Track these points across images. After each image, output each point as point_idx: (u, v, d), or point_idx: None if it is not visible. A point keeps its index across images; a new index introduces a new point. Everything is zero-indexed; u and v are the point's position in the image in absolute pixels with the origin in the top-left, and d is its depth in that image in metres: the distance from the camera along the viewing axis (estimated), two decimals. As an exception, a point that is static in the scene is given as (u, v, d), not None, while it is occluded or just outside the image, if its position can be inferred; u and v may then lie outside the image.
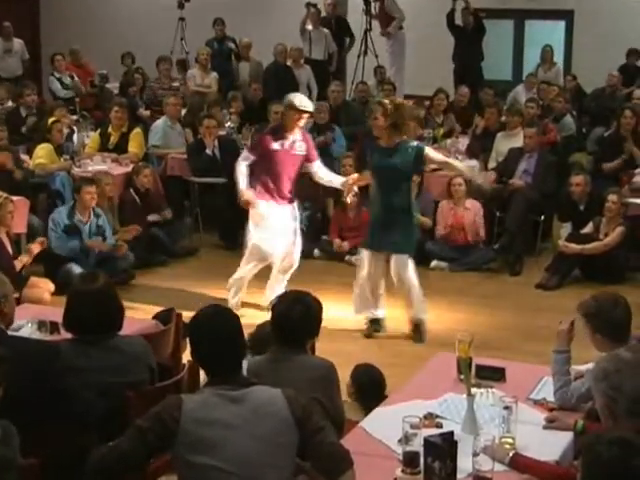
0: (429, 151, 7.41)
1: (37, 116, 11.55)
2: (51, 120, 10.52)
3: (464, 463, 3.63)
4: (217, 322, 3.63)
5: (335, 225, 9.81)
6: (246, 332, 3.92)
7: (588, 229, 8.90)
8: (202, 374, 3.81)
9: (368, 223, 7.62)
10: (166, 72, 13.33)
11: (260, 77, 13.60)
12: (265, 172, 7.66)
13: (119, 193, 9.60)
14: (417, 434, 3.65)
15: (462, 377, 4.37)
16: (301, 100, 7.65)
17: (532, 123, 10.23)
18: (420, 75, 14.35)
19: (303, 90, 13.30)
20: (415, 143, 7.33)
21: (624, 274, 8.70)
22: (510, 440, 3.89)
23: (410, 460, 3.64)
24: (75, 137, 11.03)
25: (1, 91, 12.46)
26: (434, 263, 9.24)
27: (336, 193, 10.00)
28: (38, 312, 5.73)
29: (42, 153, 9.98)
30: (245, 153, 7.80)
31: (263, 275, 8.03)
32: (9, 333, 4.24)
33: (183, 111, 11.75)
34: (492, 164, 10.29)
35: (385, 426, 4.08)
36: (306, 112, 7.64)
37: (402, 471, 3.66)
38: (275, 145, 7.60)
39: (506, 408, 3.96)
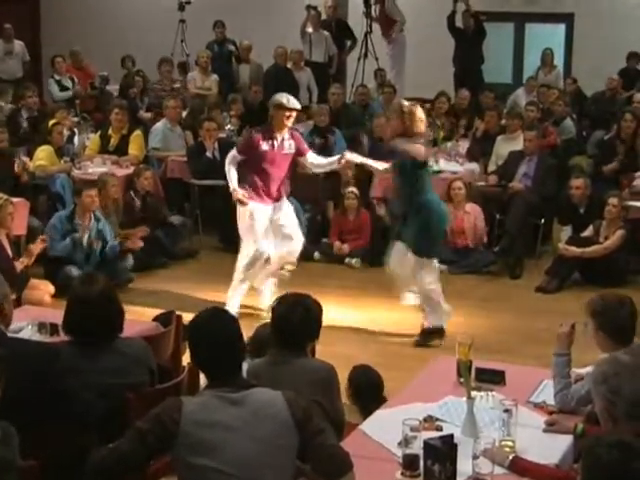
0: None
1: (38, 118, 11.56)
2: (51, 122, 10.54)
3: (464, 466, 3.63)
4: (216, 325, 3.63)
5: (335, 228, 9.81)
6: (246, 335, 3.92)
7: (588, 232, 8.90)
8: (202, 377, 3.81)
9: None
10: (167, 74, 13.34)
11: (260, 79, 13.60)
12: (254, 173, 7.68)
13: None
14: (417, 437, 3.65)
15: (462, 380, 4.37)
16: (288, 98, 7.69)
17: (532, 126, 10.23)
18: (420, 78, 14.35)
19: (303, 92, 13.32)
20: None
21: (624, 277, 8.70)
22: (510, 443, 3.90)
23: (410, 463, 3.65)
24: (76, 139, 11.03)
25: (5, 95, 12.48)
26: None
27: (336, 196, 10.04)
28: (38, 314, 5.73)
29: (42, 155, 9.99)
30: (233, 153, 7.78)
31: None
32: (9, 335, 4.23)
33: (184, 113, 11.74)
34: (492, 167, 10.30)
35: (385, 429, 4.08)
36: (294, 110, 7.68)
37: (402, 474, 3.66)
38: (265, 146, 7.62)
39: (506, 411, 3.96)
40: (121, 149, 10.68)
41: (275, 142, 7.65)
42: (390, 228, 9.28)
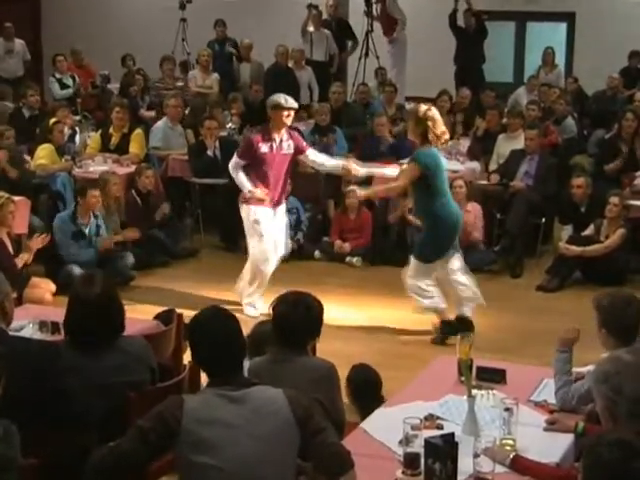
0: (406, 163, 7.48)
1: (39, 117, 11.56)
2: (52, 121, 10.53)
3: (465, 465, 3.63)
4: (216, 324, 3.63)
5: (336, 226, 9.81)
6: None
7: (589, 231, 8.90)
8: (203, 375, 3.82)
9: None
10: (169, 72, 13.34)
11: (261, 78, 13.60)
12: (255, 175, 7.70)
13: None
14: (418, 435, 3.65)
15: (463, 379, 4.37)
16: (286, 98, 7.73)
17: (533, 125, 10.23)
18: (421, 77, 14.36)
19: (304, 91, 13.33)
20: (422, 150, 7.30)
21: (625, 276, 8.69)
22: (511, 442, 3.90)
23: (411, 461, 3.64)
24: (77, 138, 11.04)
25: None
26: (435, 264, 9.24)
27: (337, 194, 10.04)
28: (39, 312, 5.74)
29: (43, 154, 9.98)
30: (235, 159, 7.79)
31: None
32: (10, 333, 4.23)
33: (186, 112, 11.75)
34: (493, 166, 10.30)
35: (386, 427, 4.08)
36: (293, 109, 7.71)
37: (403, 472, 3.66)
38: (264, 148, 7.65)
39: (507, 410, 3.96)
40: (122, 148, 10.67)
41: (274, 143, 7.67)
42: (391, 227, 9.30)
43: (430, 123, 7.09)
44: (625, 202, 8.92)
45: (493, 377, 4.61)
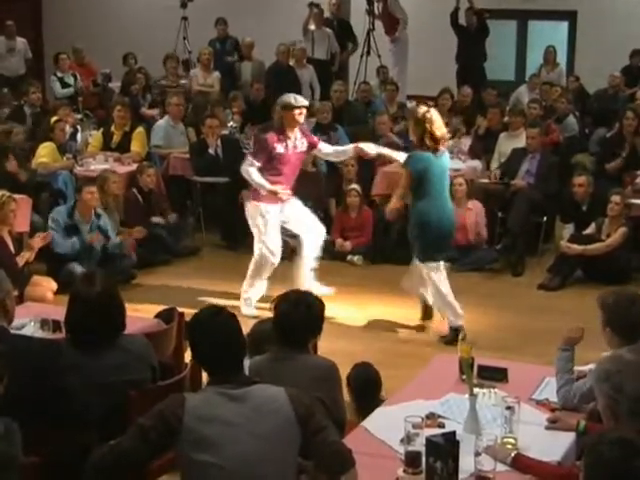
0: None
1: (40, 115, 11.56)
2: (54, 119, 10.53)
3: (466, 463, 3.63)
4: (216, 322, 3.63)
5: (337, 225, 9.81)
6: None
7: (590, 230, 8.90)
8: (204, 374, 3.82)
9: None
10: (173, 70, 13.34)
11: (262, 77, 13.60)
12: (270, 174, 7.71)
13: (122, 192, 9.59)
14: (419, 434, 3.65)
15: (464, 377, 4.37)
16: (295, 97, 7.76)
17: (535, 124, 10.22)
18: (422, 75, 14.35)
19: (306, 90, 13.31)
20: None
21: (626, 275, 8.68)
22: (512, 440, 3.90)
23: (412, 460, 3.64)
24: (79, 136, 11.04)
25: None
26: (436, 263, 9.24)
27: (338, 193, 10.04)
28: (41, 311, 5.74)
29: (45, 152, 9.98)
30: (250, 160, 7.80)
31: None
32: (11, 331, 4.23)
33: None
34: (495, 165, 10.29)
35: (387, 426, 4.08)
36: (303, 107, 7.72)
37: (404, 471, 3.66)
38: (280, 148, 7.67)
39: (508, 408, 3.96)
40: (123, 146, 10.67)
41: (289, 142, 7.70)
42: (392, 226, 9.29)
43: (428, 125, 7.08)
44: (626, 201, 8.91)
45: (494, 375, 4.61)
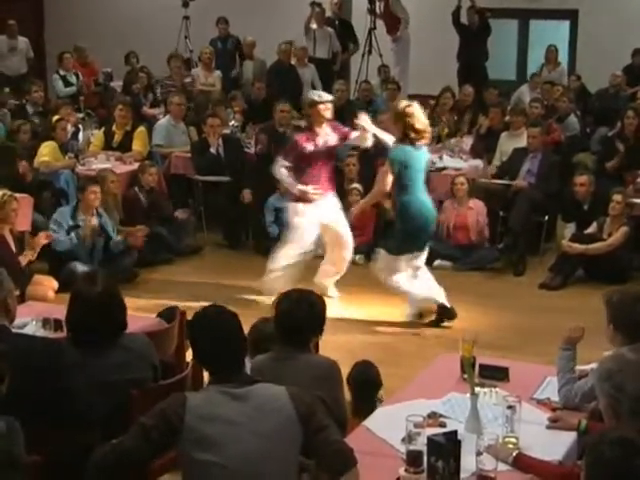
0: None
1: (42, 114, 11.56)
2: (55, 118, 10.53)
3: (467, 462, 3.63)
4: (217, 322, 3.63)
5: (339, 224, 9.79)
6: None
7: (592, 229, 8.90)
8: (206, 373, 3.82)
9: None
10: (177, 69, 13.34)
11: (264, 76, 13.60)
12: (303, 173, 7.74)
13: (123, 191, 9.60)
14: (420, 433, 3.65)
15: (466, 376, 4.37)
16: (319, 94, 7.96)
17: (536, 123, 10.22)
18: (424, 74, 14.34)
19: (307, 89, 13.30)
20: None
21: (628, 274, 8.68)
22: (513, 440, 3.90)
23: (413, 459, 3.64)
24: (80, 135, 11.04)
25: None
26: (437, 262, 9.23)
27: (340, 192, 10.03)
28: (42, 310, 5.74)
29: (46, 151, 9.98)
30: (280, 161, 7.88)
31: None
32: (13, 330, 4.24)
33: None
34: (496, 164, 10.28)
35: (388, 425, 4.08)
36: (327, 102, 7.80)
37: (405, 470, 3.66)
38: (309, 146, 7.71)
39: (509, 408, 3.96)
40: (125, 145, 10.68)
41: (319, 139, 7.76)
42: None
43: (409, 119, 7.15)
44: (628, 200, 8.91)
45: (496, 375, 4.61)
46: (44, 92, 12.73)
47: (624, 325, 4.28)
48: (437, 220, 9.44)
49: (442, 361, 5.01)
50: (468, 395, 4.18)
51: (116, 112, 10.85)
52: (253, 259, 9.58)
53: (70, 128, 10.67)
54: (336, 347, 5.89)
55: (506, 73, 15.70)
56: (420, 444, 3.63)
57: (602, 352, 4.23)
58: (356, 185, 9.75)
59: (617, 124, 10.85)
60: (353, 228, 9.71)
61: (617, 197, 8.73)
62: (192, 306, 4.89)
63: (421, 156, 7.36)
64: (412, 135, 7.20)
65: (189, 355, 4.64)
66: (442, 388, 4.51)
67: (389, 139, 7.66)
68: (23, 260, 7.79)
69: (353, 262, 9.47)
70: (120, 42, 15.31)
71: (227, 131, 10.90)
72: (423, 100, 12.31)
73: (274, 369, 4.28)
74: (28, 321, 5.36)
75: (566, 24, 15.88)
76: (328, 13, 14.46)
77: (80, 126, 11.27)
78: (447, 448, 3.56)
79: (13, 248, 7.82)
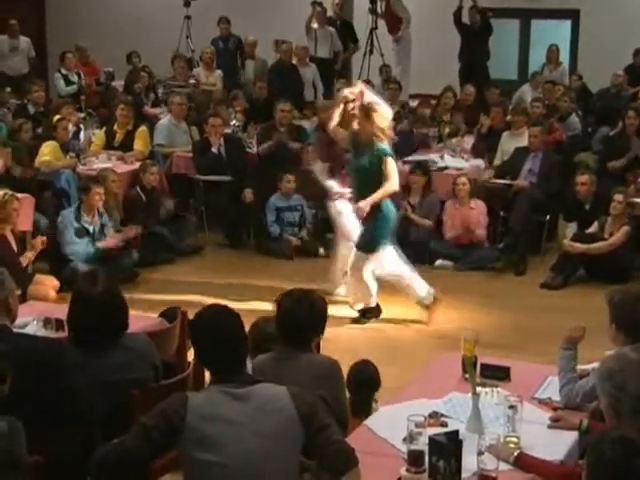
0: None
1: (43, 114, 11.56)
2: (56, 118, 10.53)
3: (469, 462, 3.63)
4: (218, 321, 3.63)
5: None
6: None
7: (593, 229, 8.89)
8: (207, 373, 3.82)
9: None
10: (181, 70, 13.34)
11: (265, 75, 13.59)
12: (339, 173, 7.73)
13: (124, 191, 9.59)
14: (422, 433, 3.65)
15: (467, 376, 4.37)
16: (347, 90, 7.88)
17: (537, 122, 10.21)
18: (426, 74, 14.34)
19: (308, 89, 13.32)
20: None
21: (629, 273, 8.68)
22: (515, 439, 3.89)
23: (415, 459, 3.64)
24: (82, 135, 11.03)
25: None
26: (438, 262, 9.25)
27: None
28: (43, 309, 5.74)
29: (47, 151, 9.98)
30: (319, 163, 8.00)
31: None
32: (14, 330, 4.24)
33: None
34: (497, 163, 10.27)
35: (390, 425, 4.08)
36: (349, 100, 7.64)
37: (407, 470, 3.66)
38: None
39: (511, 407, 3.96)
40: (126, 145, 10.67)
41: None
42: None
43: (376, 116, 7.22)
44: (629, 199, 8.91)
45: (497, 374, 4.61)
46: (45, 92, 12.72)
47: (626, 325, 4.29)
48: (438, 219, 9.51)
49: (443, 361, 5.01)
50: (469, 395, 4.17)
51: (117, 112, 10.85)
52: (254, 259, 9.59)
53: (71, 128, 10.66)
54: (336, 347, 5.89)
55: (507, 73, 15.70)
56: (421, 444, 3.63)
57: (603, 352, 4.23)
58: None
59: (618, 124, 10.85)
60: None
61: (618, 197, 8.73)
62: (193, 306, 4.88)
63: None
64: (383, 134, 7.26)
65: (190, 355, 4.64)
66: (443, 388, 4.51)
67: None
68: (24, 261, 7.79)
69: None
70: (121, 42, 15.32)
71: (228, 131, 10.89)
72: (425, 100, 12.39)
73: (275, 369, 4.27)
74: (29, 321, 5.36)
75: (567, 24, 15.89)
76: (329, 13, 14.47)
77: (81, 126, 11.26)
78: (448, 448, 3.56)
79: (14, 248, 7.82)
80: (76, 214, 8.60)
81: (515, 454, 3.76)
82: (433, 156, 10.41)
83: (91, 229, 8.59)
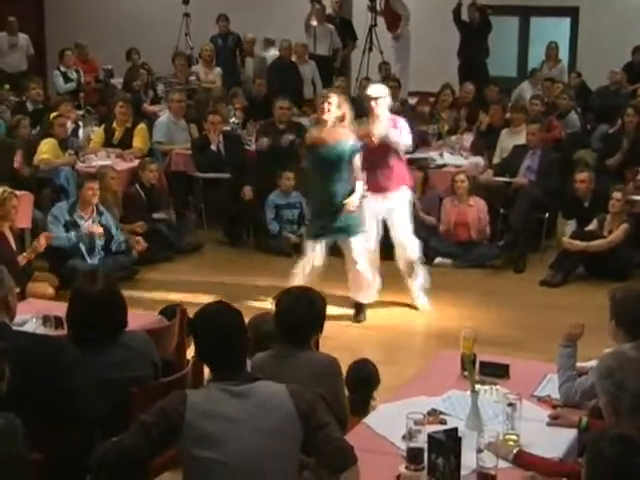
0: None
1: (42, 111, 11.56)
2: (53, 115, 10.52)
3: (468, 460, 3.63)
4: (219, 318, 3.63)
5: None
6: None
7: (592, 226, 8.90)
8: (206, 370, 3.82)
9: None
10: (182, 67, 13.33)
11: (264, 73, 13.59)
12: (364, 169, 7.75)
13: (123, 188, 9.59)
14: (421, 430, 3.65)
15: (466, 373, 4.37)
16: (370, 88, 7.90)
17: (535, 120, 10.20)
18: (425, 71, 14.34)
19: (307, 86, 13.32)
20: None
21: (628, 271, 8.68)
22: (514, 437, 3.90)
23: (414, 456, 3.64)
24: (80, 132, 11.03)
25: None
26: (438, 260, 9.24)
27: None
28: (42, 307, 5.74)
29: (46, 148, 9.97)
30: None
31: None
32: (13, 328, 4.24)
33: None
34: (497, 161, 10.28)
35: (389, 422, 4.08)
36: (374, 98, 7.65)
37: (406, 467, 3.66)
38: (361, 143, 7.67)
39: (510, 405, 3.96)
40: (125, 142, 10.67)
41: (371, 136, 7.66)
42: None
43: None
44: (628, 197, 8.91)
45: (496, 372, 4.61)
46: (44, 89, 12.72)
47: (626, 322, 4.29)
48: (437, 217, 9.51)
49: (442, 358, 5.01)
50: (468, 392, 4.17)
51: (116, 109, 10.85)
52: (254, 256, 9.60)
53: (70, 125, 10.66)
54: (337, 343, 5.89)
55: (507, 70, 15.69)
56: (420, 441, 3.63)
57: (603, 349, 4.22)
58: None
59: (617, 121, 10.85)
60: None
61: (617, 194, 8.73)
62: (192, 304, 4.89)
63: None
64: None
65: (190, 353, 4.64)
66: (442, 385, 4.51)
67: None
68: (22, 260, 7.76)
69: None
70: (120, 39, 15.31)
71: (228, 128, 10.89)
72: (424, 97, 12.39)
73: (274, 367, 4.28)
74: (28, 319, 5.35)
75: (567, 21, 15.88)
76: (329, 10, 14.47)
77: (80, 123, 11.26)
78: (447, 445, 3.56)
79: (13, 245, 7.81)
80: (70, 208, 8.57)
81: (514, 452, 3.77)
82: (432, 153, 10.41)
83: (83, 224, 8.55)
